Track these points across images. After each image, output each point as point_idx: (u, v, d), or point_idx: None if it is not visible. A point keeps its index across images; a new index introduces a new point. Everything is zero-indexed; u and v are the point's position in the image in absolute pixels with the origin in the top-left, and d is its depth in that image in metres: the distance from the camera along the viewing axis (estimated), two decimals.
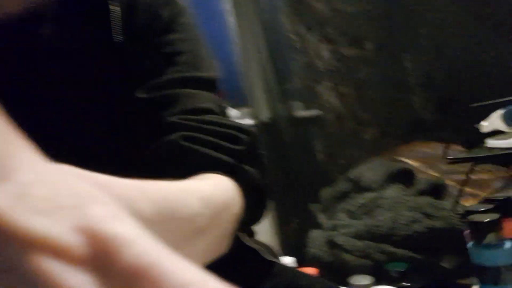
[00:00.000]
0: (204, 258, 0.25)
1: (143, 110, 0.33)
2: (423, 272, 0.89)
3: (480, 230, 0.39)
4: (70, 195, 0.13)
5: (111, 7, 0.33)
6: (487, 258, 0.38)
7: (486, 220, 0.39)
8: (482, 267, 0.39)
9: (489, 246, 0.39)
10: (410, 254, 0.91)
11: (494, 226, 0.39)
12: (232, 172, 0.30)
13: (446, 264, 0.89)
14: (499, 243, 0.38)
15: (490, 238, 0.39)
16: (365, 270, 0.93)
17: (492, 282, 0.38)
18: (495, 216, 0.39)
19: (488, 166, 1.74)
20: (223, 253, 0.29)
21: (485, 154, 0.51)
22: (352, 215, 1.24)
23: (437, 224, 0.93)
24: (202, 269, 0.12)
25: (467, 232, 0.44)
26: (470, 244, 0.41)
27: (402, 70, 2.64)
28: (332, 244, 1.18)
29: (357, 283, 0.89)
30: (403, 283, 0.86)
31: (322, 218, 1.44)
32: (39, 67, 0.33)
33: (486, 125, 0.63)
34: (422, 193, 1.24)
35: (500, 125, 0.58)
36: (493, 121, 0.56)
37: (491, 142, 0.58)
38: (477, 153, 0.55)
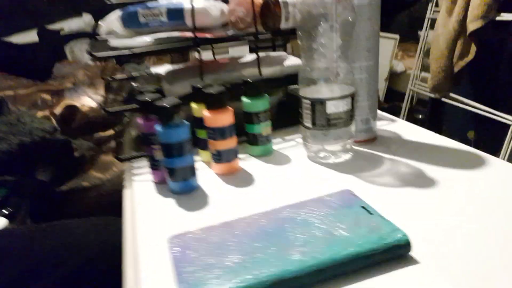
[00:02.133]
0: None
1: None
2: (21, 192, 0.81)
3: (168, 113, 0.45)
4: None
5: None
6: (173, 135, 0.46)
7: (172, 105, 0.45)
8: (168, 144, 0.46)
9: (174, 126, 0.46)
10: (2, 178, 0.79)
11: (178, 108, 0.46)
12: None
13: (42, 176, 0.86)
14: (181, 122, 0.46)
15: (177, 118, 0.46)
16: None
17: (177, 155, 0.46)
18: (175, 100, 0.46)
19: None
20: None
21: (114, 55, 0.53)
22: None
23: (26, 139, 0.85)
24: None
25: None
26: (157, 126, 0.46)
27: None
28: None
29: None
30: (3, 210, 0.76)
31: None
32: None
33: (103, 25, 0.64)
34: None
35: (117, 27, 0.62)
36: (110, 22, 0.59)
37: (113, 42, 0.61)
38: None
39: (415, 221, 0.39)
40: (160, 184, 0.53)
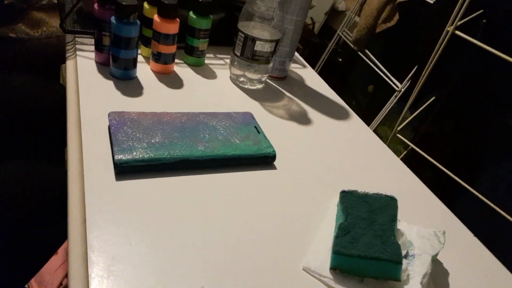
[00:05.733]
0: None
1: None
2: None
3: (126, 11, 0.54)
4: None
5: None
6: (125, 31, 0.55)
7: (130, 5, 0.54)
8: (119, 37, 0.55)
9: (128, 23, 0.55)
10: None
11: (135, 8, 0.54)
12: None
13: None
14: (134, 21, 0.55)
15: (132, 17, 0.55)
16: None
17: (124, 47, 0.56)
18: (134, 1, 0.54)
19: None
20: None
21: None
22: None
23: None
24: None
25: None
26: (112, 19, 0.55)
27: None
28: None
29: None
30: None
31: None
32: None
33: None
34: None
35: None
36: None
37: None
38: None
39: (285, 143, 0.57)
40: (101, 64, 0.63)
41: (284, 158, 0.54)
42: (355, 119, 0.69)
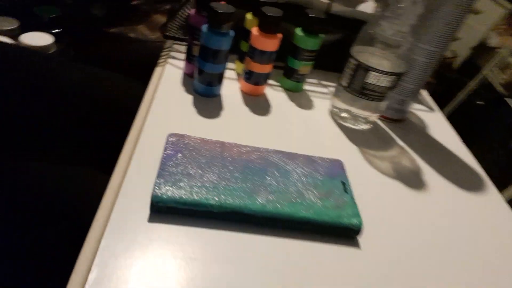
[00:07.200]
0: None
1: None
2: (75, 18, 0.86)
3: (218, 19, 0.46)
4: None
5: None
6: (215, 42, 0.47)
7: (225, 12, 0.46)
8: (207, 48, 0.47)
9: (219, 33, 0.47)
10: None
11: (229, 17, 0.46)
12: None
13: (97, 11, 0.90)
14: (227, 31, 0.47)
15: (225, 27, 0.47)
16: (11, 12, 0.77)
17: (211, 60, 0.48)
18: (231, 9, 0.46)
19: None
20: None
21: None
22: None
23: None
24: None
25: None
26: (203, 28, 0.47)
27: None
28: None
29: (1, 28, 0.76)
30: (55, 30, 0.81)
31: None
32: None
33: None
34: None
35: None
36: None
37: None
38: None
39: (380, 211, 0.42)
40: (189, 76, 0.56)
41: (373, 233, 0.39)
42: (490, 191, 0.50)
